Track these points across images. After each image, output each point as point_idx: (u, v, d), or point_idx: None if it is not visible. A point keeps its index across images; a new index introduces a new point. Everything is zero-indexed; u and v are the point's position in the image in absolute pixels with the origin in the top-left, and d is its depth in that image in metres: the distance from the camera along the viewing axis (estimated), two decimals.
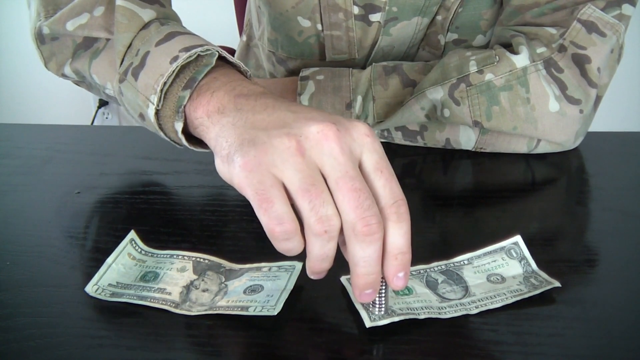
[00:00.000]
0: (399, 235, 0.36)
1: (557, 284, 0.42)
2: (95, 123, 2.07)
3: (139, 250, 0.48)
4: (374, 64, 0.66)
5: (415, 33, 0.71)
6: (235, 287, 0.43)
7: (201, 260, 0.46)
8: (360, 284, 0.37)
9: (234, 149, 0.38)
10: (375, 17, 0.69)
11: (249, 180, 0.36)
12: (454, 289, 0.43)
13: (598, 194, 0.58)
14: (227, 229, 0.52)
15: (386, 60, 0.71)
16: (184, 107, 0.45)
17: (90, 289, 0.44)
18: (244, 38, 0.91)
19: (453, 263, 0.45)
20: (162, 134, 0.49)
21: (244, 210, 0.55)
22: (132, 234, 0.48)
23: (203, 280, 0.45)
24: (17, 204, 0.57)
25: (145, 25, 0.51)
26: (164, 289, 0.44)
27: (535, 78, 0.59)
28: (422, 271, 0.45)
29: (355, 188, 0.35)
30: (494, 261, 0.45)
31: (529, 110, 0.59)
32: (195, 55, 0.46)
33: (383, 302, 0.39)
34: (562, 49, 0.60)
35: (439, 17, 0.70)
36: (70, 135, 0.74)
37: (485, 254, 0.45)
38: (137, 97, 0.48)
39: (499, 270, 0.44)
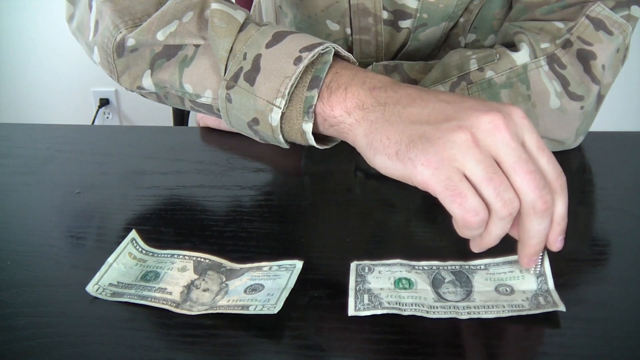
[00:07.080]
0: (562, 205, 0.40)
1: (562, 308, 0.40)
2: (96, 123, 2.07)
3: (140, 249, 0.48)
4: (374, 63, 0.66)
5: (441, 37, 0.71)
6: (236, 287, 0.43)
7: (202, 259, 0.46)
8: (531, 253, 0.41)
9: (404, 146, 0.39)
10: (405, 24, 0.68)
11: (436, 178, 0.38)
12: (456, 291, 0.42)
13: (599, 194, 0.58)
14: (227, 228, 0.52)
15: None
16: (314, 106, 0.44)
17: (91, 288, 0.44)
18: None
19: (468, 265, 0.45)
20: (280, 137, 0.46)
21: (244, 210, 0.55)
22: (133, 234, 0.48)
23: (204, 279, 0.45)
24: (18, 204, 0.57)
25: (241, 27, 0.48)
26: (165, 288, 0.44)
27: (536, 75, 0.59)
28: (434, 267, 0.44)
29: (531, 170, 0.38)
30: (511, 272, 0.44)
31: (530, 108, 0.59)
32: (317, 55, 0.45)
33: (540, 263, 0.43)
34: (567, 44, 0.59)
35: (461, 20, 0.70)
36: (70, 135, 0.74)
37: (504, 263, 0.44)
38: (255, 102, 0.45)
39: (512, 282, 0.43)
